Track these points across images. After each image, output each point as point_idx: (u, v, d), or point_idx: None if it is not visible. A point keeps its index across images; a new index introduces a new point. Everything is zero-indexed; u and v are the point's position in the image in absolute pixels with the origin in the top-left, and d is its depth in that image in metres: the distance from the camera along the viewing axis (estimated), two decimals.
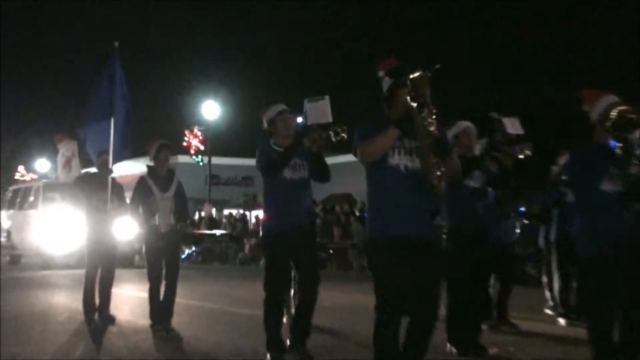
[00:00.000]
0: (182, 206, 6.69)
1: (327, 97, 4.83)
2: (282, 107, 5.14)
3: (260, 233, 5.15)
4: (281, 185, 4.98)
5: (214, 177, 28.37)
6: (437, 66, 3.55)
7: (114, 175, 7.43)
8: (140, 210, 6.60)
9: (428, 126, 3.61)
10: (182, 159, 26.93)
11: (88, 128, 7.63)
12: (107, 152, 7.35)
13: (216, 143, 28.13)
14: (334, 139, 4.80)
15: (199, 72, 48.39)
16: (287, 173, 5.02)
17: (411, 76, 3.59)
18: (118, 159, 7.49)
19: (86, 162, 7.88)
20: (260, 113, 5.18)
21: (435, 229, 3.89)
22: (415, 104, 3.59)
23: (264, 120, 5.17)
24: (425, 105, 3.58)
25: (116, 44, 7.46)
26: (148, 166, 6.75)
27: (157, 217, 6.55)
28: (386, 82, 3.87)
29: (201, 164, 27.52)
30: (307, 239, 5.01)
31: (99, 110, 7.47)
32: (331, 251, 16.40)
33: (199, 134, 27.72)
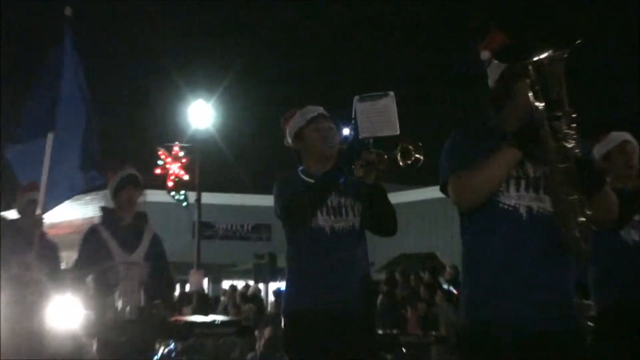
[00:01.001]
0: (158, 276, 6.10)
1: (391, 93, 4.13)
2: (316, 110, 4.59)
3: (282, 320, 4.63)
4: (315, 240, 4.37)
5: (206, 227, 26.72)
6: (579, 42, 3.06)
7: (45, 224, 6.80)
8: (90, 282, 6.12)
9: (565, 141, 3.14)
10: (155, 196, 23.41)
11: (20, 147, 7.03)
12: (34, 188, 6.65)
13: (209, 170, 25.56)
14: (402, 163, 4.11)
15: (183, 58, 44.55)
16: (325, 219, 4.41)
17: (537, 58, 3.08)
18: (56, 199, 6.86)
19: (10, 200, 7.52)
20: (283, 122, 4.63)
21: (575, 314, 3.35)
22: (542, 105, 3.09)
23: (287, 133, 4.64)
24: (560, 106, 3.10)
25: (68, 10, 6.79)
26: (103, 209, 6.24)
27: (117, 294, 5.89)
28: (494, 69, 3.42)
29: (185, 204, 24.67)
30: (359, 329, 4.39)
31: (34, 120, 6.89)
32: (403, 349, 13.70)
33: (181, 154, 24.45)
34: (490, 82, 3.47)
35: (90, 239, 6.06)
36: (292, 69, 46.77)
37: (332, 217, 4.43)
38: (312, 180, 4.46)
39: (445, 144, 3.51)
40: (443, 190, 3.46)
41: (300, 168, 4.59)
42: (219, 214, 28.47)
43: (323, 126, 4.54)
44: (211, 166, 25.92)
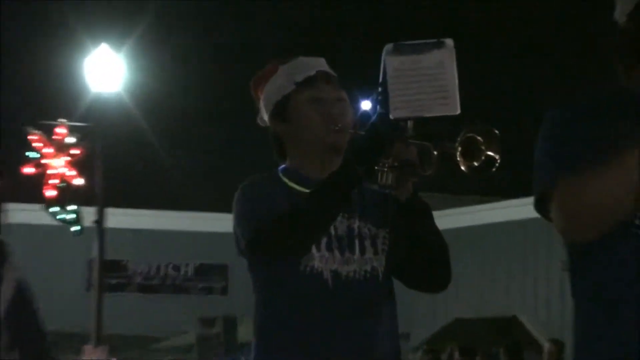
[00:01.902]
0: (25, 354, 3.87)
1: (448, 42, 3.44)
2: (313, 66, 3.88)
3: None
4: (306, 295, 3.65)
5: (113, 270, 24.44)
6: None
7: None
8: None
9: None
10: (23, 213, 23.45)
11: None
12: None
13: (120, 170, 23.31)
14: (464, 166, 3.38)
15: None
16: (324, 259, 3.70)
17: None
18: None
19: None
20: (253, 86, 3.97)
21: None
22: None
23: (261, 106, 3.94)
24: None
25: None
26: None
27: None
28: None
29: (76, 229, 20.73)
30: None
31: None
32: None
33: (69, 141, 20.49)
34: (621, 16, 2.98)
35: None
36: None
37: (338, 254, 3.70)
38: (304, 190, 3.68)
39: (541, 131, 3.02)
40: (539, 207, 2.93)
41: (283, 167, 3.81)
42: (135, 247, 25.76)
43: (326, 95, 3.78)
44: (123, 163, 23.27)
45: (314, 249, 3.65)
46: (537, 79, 33.02)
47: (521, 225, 20.57)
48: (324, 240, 3.70)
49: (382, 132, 3.47)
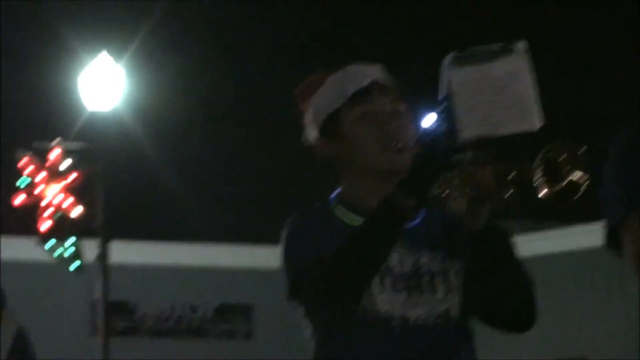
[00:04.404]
0: None
1: (520, 46, 3.43)
2: (368, 74, 3.83)
3: None
4: (372, 345, 3.68)
5: (120, 312, 22.44)
6: None
7: None
8: None
9: None
10: (16, 249, 21.05)
11: None
12: None
13: (125, 197, 20.96)
14: (546, 189, 3.41)
15: None
16: (389, 300, 3.71)
17: None
18: None
19: None
20: (299, 98, 3.95)
21: None
22: None
23: (308, 122, 3.93)
24: None
25: None
26: None
27: None
28: None
29: (75, 265, 19.31)
30: None
31: None
32: None
33: (65, 165, 19.06)
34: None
35: None
36: None
37: (405, 296, 3.71)
38: (359, 220, 3.66)
39: (612, 153, 3.38)
40: (611, 242, 3.32)
41: (336, 195, 3.82)
42: (144, 286, 23.75)
43: (382, 109, 3.75)
44: (128, 189, 21.29)
45: (376, 290, 3.53)
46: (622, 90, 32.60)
47: (592, 254, 19.15)
48: (389, 279, 3.58)
49: (448, 153, 3.35)
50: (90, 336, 20.63)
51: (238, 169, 26.94)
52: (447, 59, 3.43)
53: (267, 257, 20.84)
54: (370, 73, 3.73)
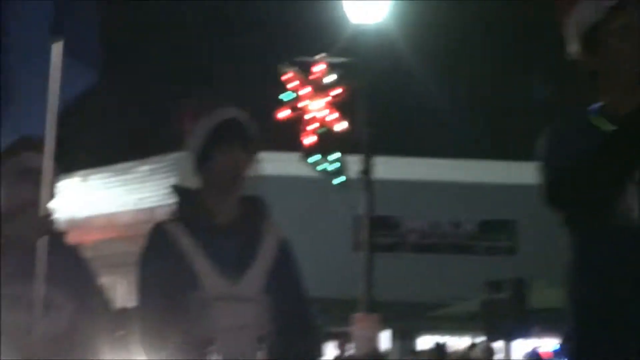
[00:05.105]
0: (290, 323, 5.02)
1: None
2: None
3: None
4: (631, 256, 3.75)
5: (383, 228, 23.76)
6: None
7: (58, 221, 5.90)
8: (156, 334, 4.90)
9: None
10: (279, 164, 22.03)
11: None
12: (31, 146, 5.95)
13: (389, 112, 22.57)
14: None
15: None
16: None
17: None
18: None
19: None
20: (559, 8, 4.19)
21: None
22: None
23: (569, 35, 4.12)
24: None
25: None
26: (177, 191, 5.07)
27: (212, 357, 4.81)
28: None
29: (339, 180, 20.56)
30: None
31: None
32: None
33: (329, 80, 20.02)
34: None
35: (154, 252, 5.10)
36: None
37: None
38: (610, 127, 3.79)
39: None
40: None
41: (596, 107, 3.86)
42: (408, 201, 24.62)
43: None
44: (392, 104, 22.79)
45: (632, 201, 3.58)
46: None
47: None
48: None
49: None
50: (354, 251, 21.75)
51: (504, 86, 26.44)
52: None
53: (530, 173, 21.16)
54: None
